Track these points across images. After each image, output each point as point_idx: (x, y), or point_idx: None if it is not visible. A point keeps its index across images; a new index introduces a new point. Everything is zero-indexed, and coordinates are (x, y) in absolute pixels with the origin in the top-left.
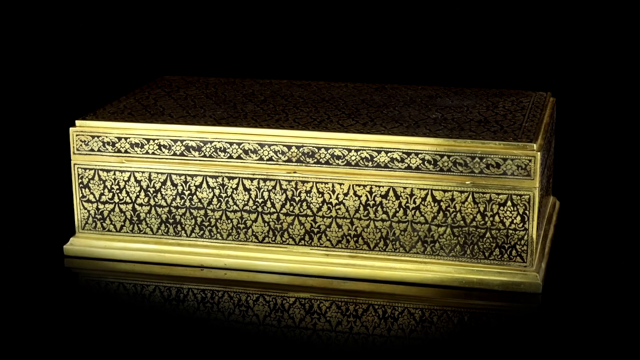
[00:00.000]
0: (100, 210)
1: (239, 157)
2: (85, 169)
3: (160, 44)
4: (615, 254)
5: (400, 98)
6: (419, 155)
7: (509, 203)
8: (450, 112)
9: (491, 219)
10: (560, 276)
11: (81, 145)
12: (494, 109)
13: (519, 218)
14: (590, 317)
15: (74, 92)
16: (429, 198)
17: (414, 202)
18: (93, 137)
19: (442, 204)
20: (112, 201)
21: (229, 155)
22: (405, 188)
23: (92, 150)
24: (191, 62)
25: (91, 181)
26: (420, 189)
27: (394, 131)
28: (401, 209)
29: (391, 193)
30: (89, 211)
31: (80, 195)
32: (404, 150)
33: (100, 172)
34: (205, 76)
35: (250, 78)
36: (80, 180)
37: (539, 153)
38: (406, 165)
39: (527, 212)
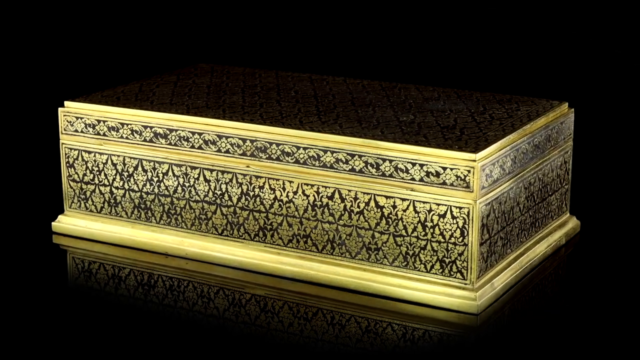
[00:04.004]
0: (84, 191)
1: (199, 148)
2: (71, 148)
3: (234, 34)
4: (598, 283)
5: (395, 98)
6: (362, 158)
7: (448, 215)
8: (426, 115)
9: (431, 230)
10: (516, 299)
11: (67, 125)
12: (479, 115)
13: (458, 232)
14: (520, 346)
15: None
16: (372, 203)
17: (358, 207)
18: (77, 118)
19: (384, 210)
20: (93, 182)
21: (191, 144)
22: (350, 191)
23: (76, 131)
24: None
25: (76, 161)
26: (364, 193)
27: (345, 131)
28: (346, 212)
29: (337, 195)
30: (74, 190)
31: (67, 174)
32: (349, 152)
33: (83, 153)
34: (247, 65)
35: (284, 71)
36: (67, 160)
37: (479, 164)
38: (350, 167)
39: (466, 226)
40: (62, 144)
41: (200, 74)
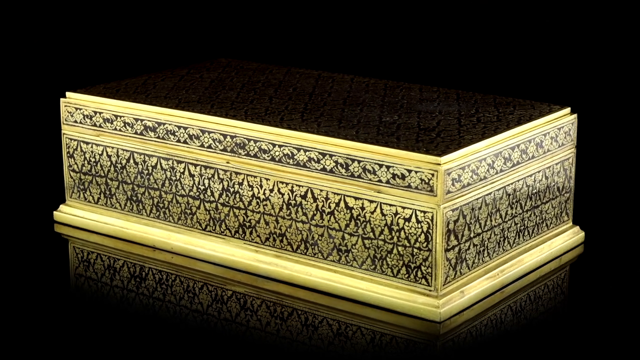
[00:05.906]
0: (83, 181)
1: (185, 142)
2: (71, 139)
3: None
4: (597, 293)
5: (390, 98)
6: (333, 158)
7: (413, 219)
8: (412, 116)
9: (397, 234)
10: (495, 309)
11: (68, 116)
12: (467, 117)
13: (423, 237)
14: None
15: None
16: (342, 204)
17: (329, 207)
18: (76, 109)
19: (353, 211)
20: (91, 173)
21: (177, 138)
22: (321, 191)
23: (75, 121)
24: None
25: (75, 152)
26: (335, 194)
27: (320, 130)
28: (318, 212)
29: (309, 194)
30: (74, 180)
31: (68, 164)
32: (320, 151)
33: (82, 144)
34: (278, 62)
35: (300, 68)
36: (67, 150)
37: (443, 167)
38: (322, 166)
39: (430, 231)
40: (63, 134)
41: (212, 68)
